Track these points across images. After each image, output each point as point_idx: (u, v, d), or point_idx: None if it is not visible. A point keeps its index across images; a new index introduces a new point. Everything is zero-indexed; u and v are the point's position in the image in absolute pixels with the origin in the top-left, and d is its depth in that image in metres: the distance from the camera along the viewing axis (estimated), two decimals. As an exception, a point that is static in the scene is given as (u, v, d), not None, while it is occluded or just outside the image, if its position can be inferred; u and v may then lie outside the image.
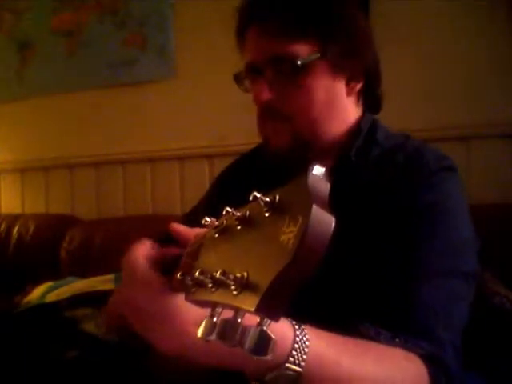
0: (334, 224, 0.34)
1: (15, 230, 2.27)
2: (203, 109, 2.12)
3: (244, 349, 0.37)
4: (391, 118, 0.99)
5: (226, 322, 0.39)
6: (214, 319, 0.41)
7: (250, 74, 0.92)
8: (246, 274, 0.37)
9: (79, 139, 2.40)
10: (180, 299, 0.52)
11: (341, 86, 0.90)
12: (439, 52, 1.76)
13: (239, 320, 0.38)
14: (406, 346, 0.67)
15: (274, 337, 0.37)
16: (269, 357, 0.36)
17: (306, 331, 0.57)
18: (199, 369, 0.62)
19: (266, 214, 0.38)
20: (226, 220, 0.45)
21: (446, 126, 1.73)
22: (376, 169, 0.87)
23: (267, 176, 0.79)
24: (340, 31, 0.88)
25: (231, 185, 1.03)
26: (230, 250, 0.42)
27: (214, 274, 0.40)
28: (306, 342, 0.55)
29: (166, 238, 0.68)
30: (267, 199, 0.38)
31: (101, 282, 1.42)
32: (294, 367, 0.54)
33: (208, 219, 0.49)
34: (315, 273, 0.34)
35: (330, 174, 0.37)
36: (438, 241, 0.77)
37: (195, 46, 2.14)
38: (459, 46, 1.74)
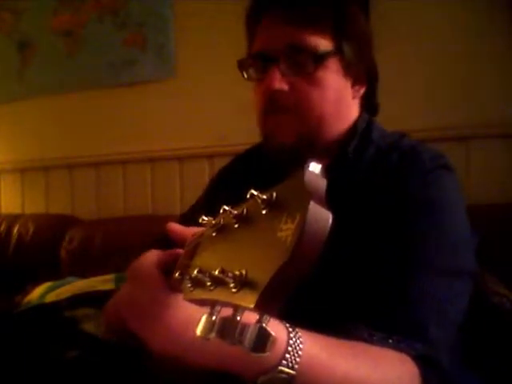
0: (331, 220, 0.34)
1: (15, 229, 2.27)
2: (203, 109, 2.12)
3: (243, 346, 0.37)
4: (391, 118, 0.99)
5: (224, 319, 0.39)
6: (213, 317, 0.41)
7: (260, 62, 0.89)
8: (244, 272, 0.37)
9: (79, 139, 2.40)
10: (178, 298, 0.53)
11: (348, 88, 0.91)
12: (439, 52, 1.76)
13: (238, 318, 0.38)
14: (399, 347, 0.67)
15: (273, 333, 0.37)
16: (267, 354, 0.36)
17: (299, 334, 0.56)
18: (195, 370, 0.62)
19: (264, 212, 0.38)
20: (224, 218, 0.45)
21: (446, 126, 1.73)
22: (372, 167, 0.87)
23: (264, 176, 0.79)
24: (352, 32, 0.88)
25: (228, 185, 1.03)
26: (228, 248, 0.42)
27: (213, 272, 0.40)
28: (300, 345, 0.55)
29: (163, 239, 0.68)
30: (264, 197, 0.38)
31: (101, 282, 1.42)
32: (287, 370, 0.54)
33: (205, 218, 0.49)
34: (313, 269, 0.34)
35: (327, 172, 0.37)
36: (433, 238, 0.77)
37: (195, 46, 2.14)
38: (459, 45, 1.74)
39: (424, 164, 0.83)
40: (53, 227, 2.22)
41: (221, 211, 0.45)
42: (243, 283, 0.36)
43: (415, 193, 0.80)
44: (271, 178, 0.44)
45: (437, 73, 1.76)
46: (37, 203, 2.51)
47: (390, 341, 0.67)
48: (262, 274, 0.34)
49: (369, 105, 0.97)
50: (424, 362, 0.67)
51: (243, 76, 0.93)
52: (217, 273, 0.39)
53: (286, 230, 0.34)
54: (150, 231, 1.32)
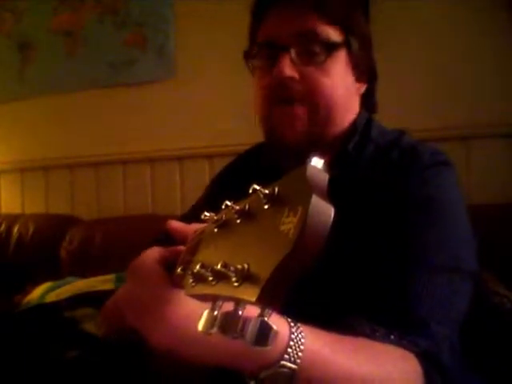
0: (333, 214, 0.34)
1: (15, 229, 2.27)
2: (203, 109, 2.12)
3: (245, 340, 0.37)
4: (391, 118, 0.99)
5: (226, 314, 0.39)
6: (215, 312, 0.41)
7: (269, 50, 0.88)
8: (246, 266, 0.37)
9: (79, 139, 2.40)
10: (179, 294, 0.53)
11: (353, 82, 0.91)
12: (439, 52, 1.76)
13: (240, 312, 0.38)
14: (402, 343, 0.67)
15: (275, 327, 0.37)
16: (269, 348, 0.36)
17: (301, 329, 0.56)
18: (196, 366, 0.62)
19: (266, 207, 0.38)
20: (226, 214, 0.45)
21: (446, 126, 1.73)
22: (371, 165, 0.87)
23: (265, 175, 0.78)
24: (357, 30, 0.89)
25: (229, 184, 1.02)
26: (230, 243, 0.42)
27: (215, 266, 0.40)
28: (302, 340, 0.55)
29: (163, 239, 0.68)
30: (266, 191, 0.38)
31: (101, 282, 1.42)
32: (289, 364, 0.54)
33: (207, 214, 0.49)
34: (315, 263, 0.34)
35: (328, 168, 0.38)
36: (433, 235, 0.76)
37: (195, 46, 2.14)
38: (459, 45, 1.74)
39: (423, 161, 0.83)
40: (53, 227, 2.22)
41: (223, 207, 0.45)
42: (245, 277, 0.36)
43: (415, 190, 0.80)
44: (272, 177, 0.44)
45: (437, 72, 1.76)
46: (37, 203, 2.51)
47: (392, 337, 0.67)
48: (264, 268, 0.34)
49: (368, 103, 0.97)
50: (426, 359, 0.67)
51: (248, 67, 0.92)
52: (219, 267, 0.39)
53: (289, 223, 0.34)
54: (150, 231, 1.32)
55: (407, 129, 0.95)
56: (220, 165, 1.16)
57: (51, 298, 1.39)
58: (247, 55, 0.92)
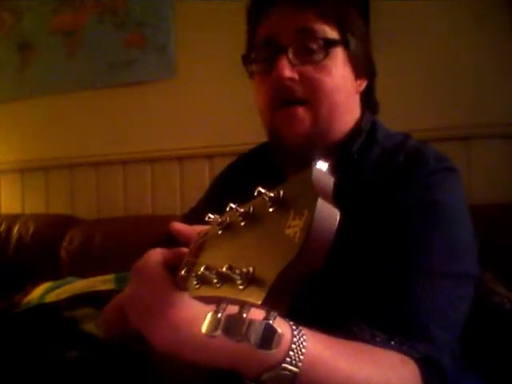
0: (338, 217, 0.34)
1: (15, 229, 2.27)
2: (203, 109, 2.12)
3: (250, 343, 0.37)
4: (391, 118, 0.99)
5: (230, 317, 0.39)
6: (219, 315, 0.41)
7: (266, 51, 0.88)
8: (251, 269, 0.37)
9: (79, 139, 2.40)
10: (183, 296, 0.53)
11: (352, 80, 0.91)
12: (439, 52, 1.76)
13: (244, 315, 0.38)
14: (402, 349, 0.67)
15: (279, 330, 0.37)
16: (273, 351, 0.37)
17: (303, 332, 0.57)
18: (199, 368, 0.62)
19: (270, 210, 0.38)
20: (230, 216, 0.45)
21: (446, 126, 1.73)
22: (376, 168, 0.86)
23: (268, 176, 0.78)
24: (354, 28, 0.89)
25: (233, 185, 1.03)
26: (234, 246, 0.43)
27: (220, 269, 0.40)
28: (304, 343, 0.55)
29: (165, 241, 0.68)
30: (271, 194, 0.38)
31: (101, 282, 1.42)
32: (290, 367, 0.54)
33: (211, 216, 0.49)
34: (321, 267, 0.34)
35: (333, 171, 0.38)
36: (436, 240, 0.76)
37: (195, 46, 2.14)
38: (459, 46, 1.74)
39: (428, 165, 0.83)
40: (53, 227, 2.22)
41: (227, 209, 0.45)
42: (250, 280, 0.36)
43: (419, 194, 0.80)
44: (276, 178, 0.44)
45: (437, 72, 1.76)
46: (37, 203, 2.51)
47: (393, 342, 0.68)
48: (270, 271, 0.34)
49: (368, 102, 0.97)
50: (426, 364, 0.67)
51: (247, 72, 0.93)
52: (224, 269, 0.39)
53: (294, 226, 0.34)
54: (150, 231, 1.32)
55: (407, 129, 0.95)
56: (220, 165, 1.16)
57: (51, 298, 1.39)
58: (245, 60, 0.92)
